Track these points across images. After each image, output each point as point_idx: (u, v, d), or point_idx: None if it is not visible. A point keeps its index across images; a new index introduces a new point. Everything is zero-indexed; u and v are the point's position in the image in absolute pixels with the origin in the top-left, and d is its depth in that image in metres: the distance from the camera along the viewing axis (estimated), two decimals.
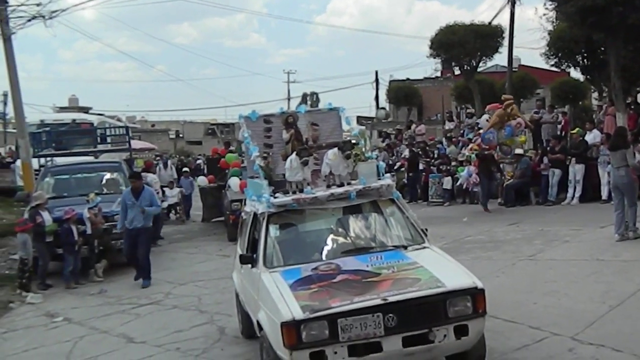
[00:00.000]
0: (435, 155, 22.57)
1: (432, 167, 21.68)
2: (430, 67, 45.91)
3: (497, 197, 18.82)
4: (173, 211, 22.51)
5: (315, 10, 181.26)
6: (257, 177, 7.90)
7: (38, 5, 19.07)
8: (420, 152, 22.93)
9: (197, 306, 10.86)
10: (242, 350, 8.34)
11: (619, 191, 12.21)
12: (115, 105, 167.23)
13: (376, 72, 46.89)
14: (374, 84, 47.25)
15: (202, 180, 20.74)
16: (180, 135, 78.30)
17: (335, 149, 7.84)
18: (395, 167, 23.88)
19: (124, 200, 12.84)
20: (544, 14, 23.65)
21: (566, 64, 26.39)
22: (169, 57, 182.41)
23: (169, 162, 26.64)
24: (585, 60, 25.08)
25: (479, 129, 23.43)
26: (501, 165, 18.57)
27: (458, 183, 19.80)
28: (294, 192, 7.51)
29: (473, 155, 18.15)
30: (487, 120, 18.00)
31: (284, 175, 7.87)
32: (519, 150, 18.75)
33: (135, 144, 29.94)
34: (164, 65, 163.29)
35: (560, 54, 25.56)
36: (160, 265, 14.65)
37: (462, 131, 25.20)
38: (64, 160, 16.65)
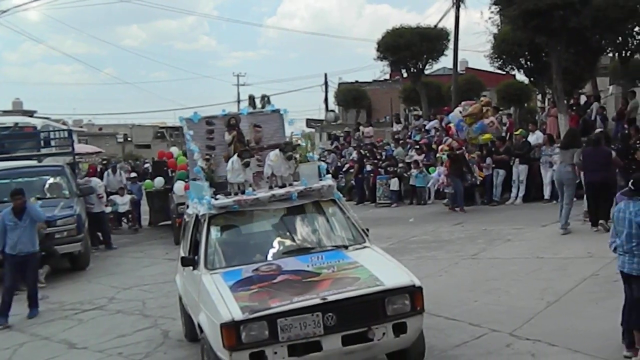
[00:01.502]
0: (383, 157, 22.74)
1: (380, 169, 21.82)
2: (379, 70, 46.29)
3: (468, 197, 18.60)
4: (125, 219, 21.50)
5: (266, 13, 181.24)
6: (199, 179, 7.87)
7: None
8: (368, 154, 23.07)
9: (142, 310, 10.74)
10: (185, 354, 8.28)
11: (562, 186, 12.89)
12: (62, 109, 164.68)
13: (325, 75, 47.24)
14: (324, 87, 47.51)
15: (159, 182, 20.09)
16: (129, 139, 77.35)
17: (277, 150, 7.88)
18: (344, 169, 24.03)
19: (3, 221, 10.85)
20: (489, 18, 24.12)
21: (510, 66, 26.85)
22: (117, 59, 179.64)
23: (118, 167, 25.14)
24: (528, 62, 25.56)
25: (426, 130, 23.83)
26: (472, 166, 18.06)
27: (429, 184, 19.56)
28: (236, 194, 7.53)
29: (444, 156, 17.94)
30: (460, 112, 17.68)
31: (226, 177, 7.86)
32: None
33: (82, 147, 29.47)
34: (112, 68, 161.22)
35: (504, 57, 26.01)
36: (104, 269, 14.46)
37: (409, 133, 25.49)
38: (5, 164, 16.27)
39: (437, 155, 18.92)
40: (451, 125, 17.74)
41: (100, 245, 17.47)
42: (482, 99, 18.36)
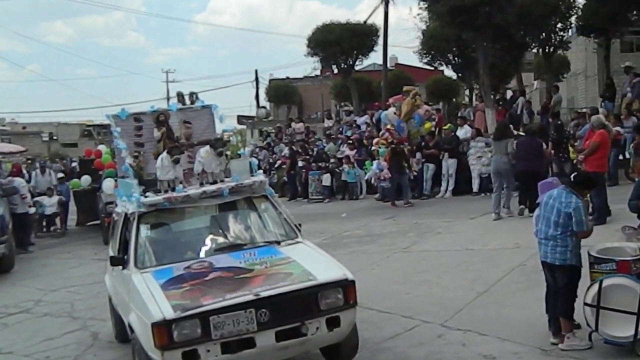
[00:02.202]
0: (314, 153, 22.77)
1: (312, 165, 21.84)
2: (310, 66, 46.37)
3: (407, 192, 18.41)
4: (51, 222, 19.88)
5: (195, 9, 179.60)
6: (127, 177, 7.72)
7: None
8: (299, 150, 23.08)
9: (70, 312, 10.47)
10: (116, 355, 8.12)
11: (499, 176, 13.74)
12: None
13: (256, 71, 46.84)
14: (254, 83, 47.24)
15: (85, 181, 19.57)
16: (55, 138, 75.41)
17: (208, 147, 7.81)
18: (276, 165, 23.98)
19: None
20: (418, 14, 24.60)
21: (439, 62, 27.37)
22: (42, 56, 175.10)
23: (47, 166, 23.41)
24: (456, 58, 26.07)
25: (357, 126, 23.98)
26: (410, 161, 18.04)
27: (366, 177, 19.15)
28: (166, 191, 7.42)
29: (381, 150, 17.70)
30: (394, 113, 17.51)
31: (155, 174, 7.74)
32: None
33: (4, 147, 28.57)
34: (36, 65, 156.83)
35: (433, 53, 26.47)
36: (30, 271, 14.04)
37: (341, 129, 25.62)
38: None
39: (373, 148, 18.76)
40: (389, 127, 17.59)
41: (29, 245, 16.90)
42: (406, 89, 18.12)
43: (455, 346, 6.97)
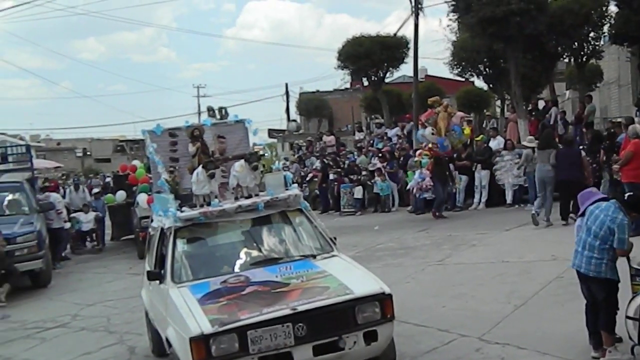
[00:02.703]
0: (346, 166, 22.75)
1: (343, 178, 21.83)
2: (340, 79, 46.39)
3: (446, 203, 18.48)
4: (89, 238, 20.16)
5: (225, 24, 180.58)
6: (163, 192, 7.78)
7: None
8: (330, 163, 23.08)
9: (106, 327, 10.55)
10: None
11: (544, 184, 13.87)
12: (18, 124, 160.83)
13: (286, 85, 47.10)
14: (285, 97, 47.45)
15: (120, 196, 19.74)
16: (88, 153, 76.36)
17: (242, 161, 7.83)
18: (307, 179, 24.00)
19: None
20: (448, 25, 24.43)
21: (469, 73, 27.14)
22: (75, 73, 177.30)
23: (80, 183, 23.50)
24: (487, 69, 25.85)
25: (389, 138, 23.94)
26: (454, 173, 18.05)
27: (408, 187, 18.68)
28: (201, 206, 7.45)
29: (424, 160, 17.37)
30: (432, 133, 17.08)
31: (191, 189, 7.79)
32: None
33: (40, 163, 28.95)
34: (69, 81, 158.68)
35: (463, 64, 26.27)
36: (66, 286, 14.20)
37: (371, 141, 25.59)
38: None
39: (415, 159, 18.32)
40: (430, 146, 17.21)
41: (61, 261, 17.10)
42: (431, 101, 17.67)
43: None
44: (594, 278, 6.36)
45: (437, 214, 17.25)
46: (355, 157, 23.50)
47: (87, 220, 19.58)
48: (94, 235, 20.02)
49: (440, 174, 17.15)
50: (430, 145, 17.23)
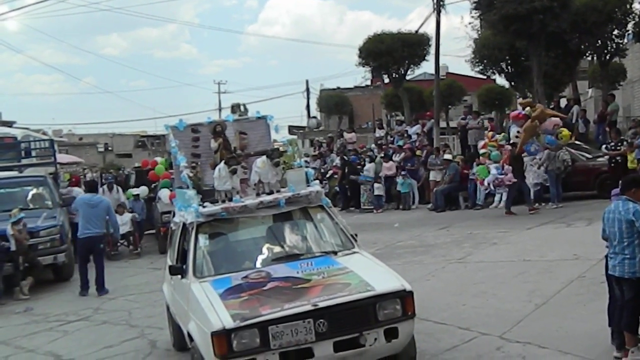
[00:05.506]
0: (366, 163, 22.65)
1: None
2: (360, 76, 46.38)
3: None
4: (125, 242, 17.96)
5: (247, 20, 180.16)
6: (185, 188, 7.82)
7: None
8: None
9: (128, 320, 10.64)
10: None
11: None
12: (41, 119, 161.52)
13: (307, 82, 47.22)
14: (305, 93, 47.52)
15: (143, 191, 19.44)
16: (110, 148, 76.74)
17: (264, 157, 7.86)
18: (327, 175, 23.99)
19: None
20: (470, 23, 24.32)
21: (491, 70, 27.00)
22: (98, 68, 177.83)
23: (114, 183, 20.22)
24: (509, 67, 25.72)
25: (409, 136, 23.86)
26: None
27: (486, 182, 17.40)
28: (223, 201, 7.48)
29: (494, 153, 16.98)
30: (516, 136, 16.62)
31: (212, 184, 7.82)
32: (447, 156, 19.22)
33: (62, 157, 29.18)
34: (92, 77, 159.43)
35: (485, 61, 26.14)
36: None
37: (392, 138, 25.54)
38: None
39: (483, 151, 18.11)
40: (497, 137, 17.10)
41: None
42: (522, 103, 17.36)
43: (515, 359, 6.86)
44: (627, 279, 6.33)
45: (529, 208, 16.37)
46: (376, 154, 23.35)
47: (122, 222, 16.85)
48: (130, 238, 17.91)
49: (519, 170, 16.57)
50: (497, 137, 17.08)
